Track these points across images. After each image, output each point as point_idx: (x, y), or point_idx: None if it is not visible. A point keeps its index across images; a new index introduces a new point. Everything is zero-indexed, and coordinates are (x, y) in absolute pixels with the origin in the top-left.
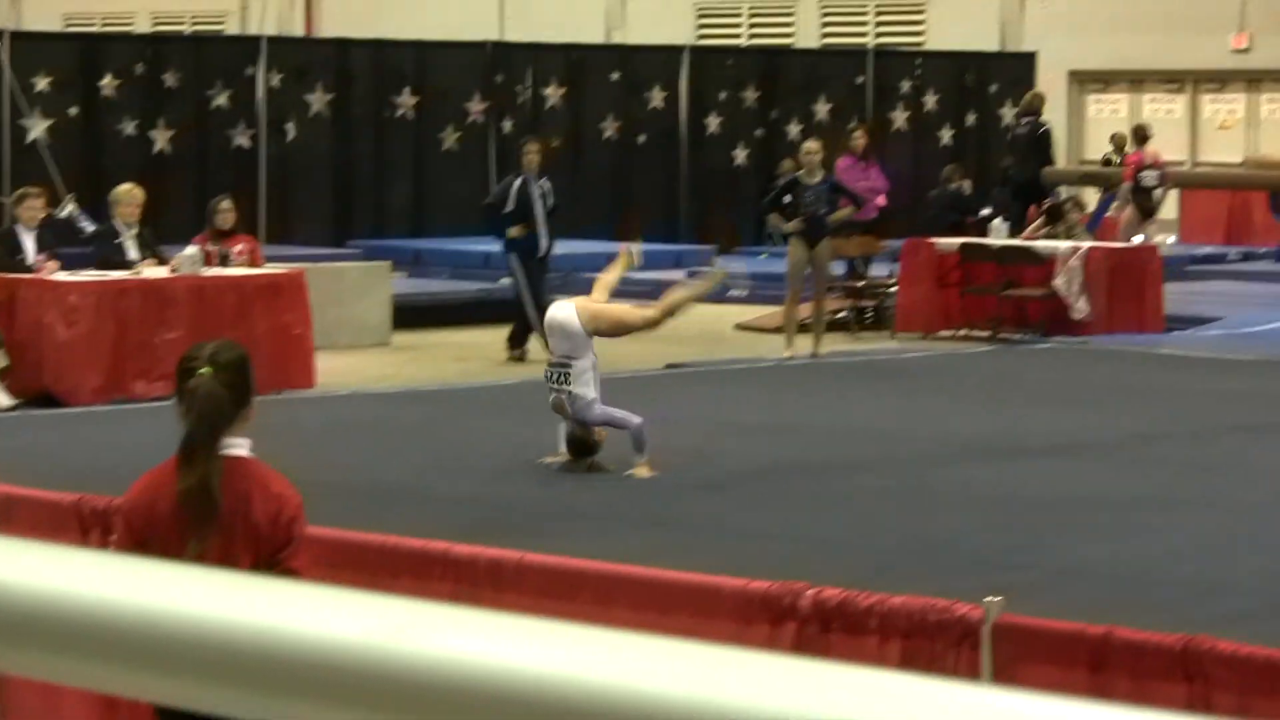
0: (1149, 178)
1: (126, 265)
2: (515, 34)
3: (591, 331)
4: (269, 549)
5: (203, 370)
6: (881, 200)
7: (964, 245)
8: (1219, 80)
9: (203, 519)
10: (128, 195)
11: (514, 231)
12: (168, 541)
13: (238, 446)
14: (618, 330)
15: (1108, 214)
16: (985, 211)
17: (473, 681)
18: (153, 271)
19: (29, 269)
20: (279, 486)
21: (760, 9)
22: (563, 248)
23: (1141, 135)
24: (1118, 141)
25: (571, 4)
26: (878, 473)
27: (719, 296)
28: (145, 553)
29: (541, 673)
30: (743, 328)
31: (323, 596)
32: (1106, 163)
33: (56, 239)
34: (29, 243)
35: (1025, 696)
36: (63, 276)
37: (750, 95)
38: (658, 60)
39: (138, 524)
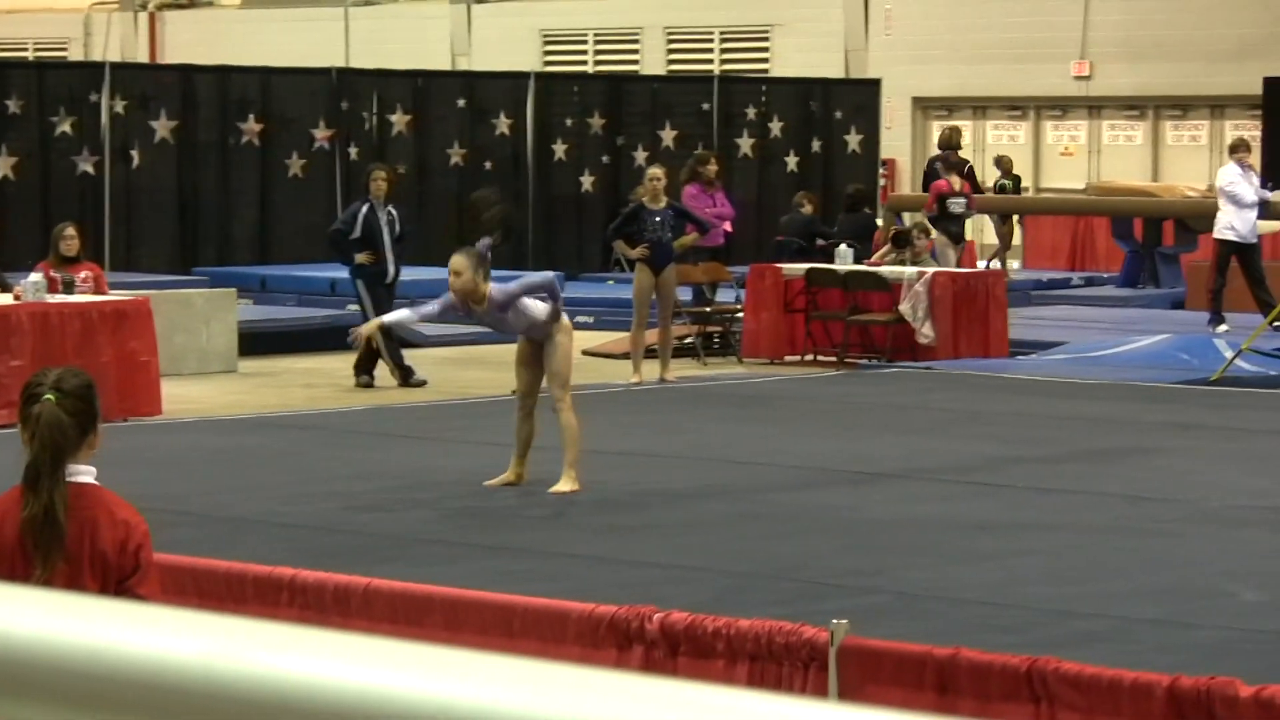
0: (956, 204)
1: None
2: (361, 60)
3: None
4: (116, 576)
5: (47, 396)
6: (728, 226)
7: (810, 270)
8: (1061, 107)
9: (48, 547)
10: None
11: (361, 258)
12: (14, 569)
13: (83, 474)
14: None
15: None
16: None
17: (305, 699)
18: None
19: None
20: (125, 513)
21: (606, 36)
22: (410, 274)
23: (952, 162)
24: (1005, 165)
25: (417, 31)
26: (728, 498)
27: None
28: None
29: (381, 690)
30: (590, 354)
31: (159, 616)
32: (1000, 190)
33: None
34: None
35: (867, 712)
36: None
37: (596, 122)
38: (504, 87)
39: None
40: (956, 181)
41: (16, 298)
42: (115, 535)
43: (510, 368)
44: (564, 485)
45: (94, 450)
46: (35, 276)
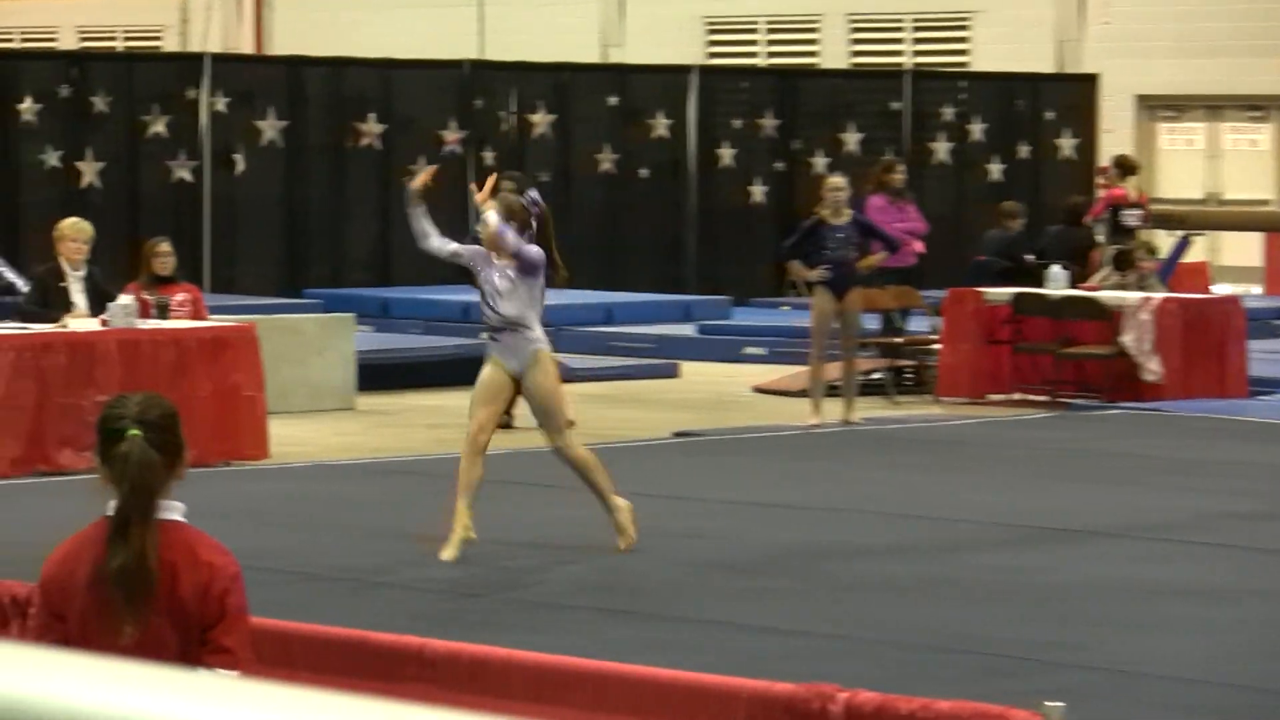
0: (1131, 217)
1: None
2: (496, 52)
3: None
4: (198, 625)
5: (133, 432)
6: (919, 245)
7: (1017, 296)
8: None
9: (140, 600)
10: (74, 230)
11: None
12: (87, 619)
13: (170, 510)
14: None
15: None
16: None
17: None
18: (80, 324)
19: None
20: (210, 553)
21: (779, 23)
22: (551, 298)
23: (1126, 167)
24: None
25: (561, 18)
26: (914, 558)
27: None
28: (64, 629)
29: None
30: (762, 390)
31: (266, 694)
32: None
33: None
34: None
35: None
36: None
37: (768, 123)
38: (661, 82)
39: (55, 599)
40: (1133, 190)
41: (103, 323)
42: (197, 578)
43: (670, 407)
44: (627, 534)
45: (180, 481)
46: (124, 299)
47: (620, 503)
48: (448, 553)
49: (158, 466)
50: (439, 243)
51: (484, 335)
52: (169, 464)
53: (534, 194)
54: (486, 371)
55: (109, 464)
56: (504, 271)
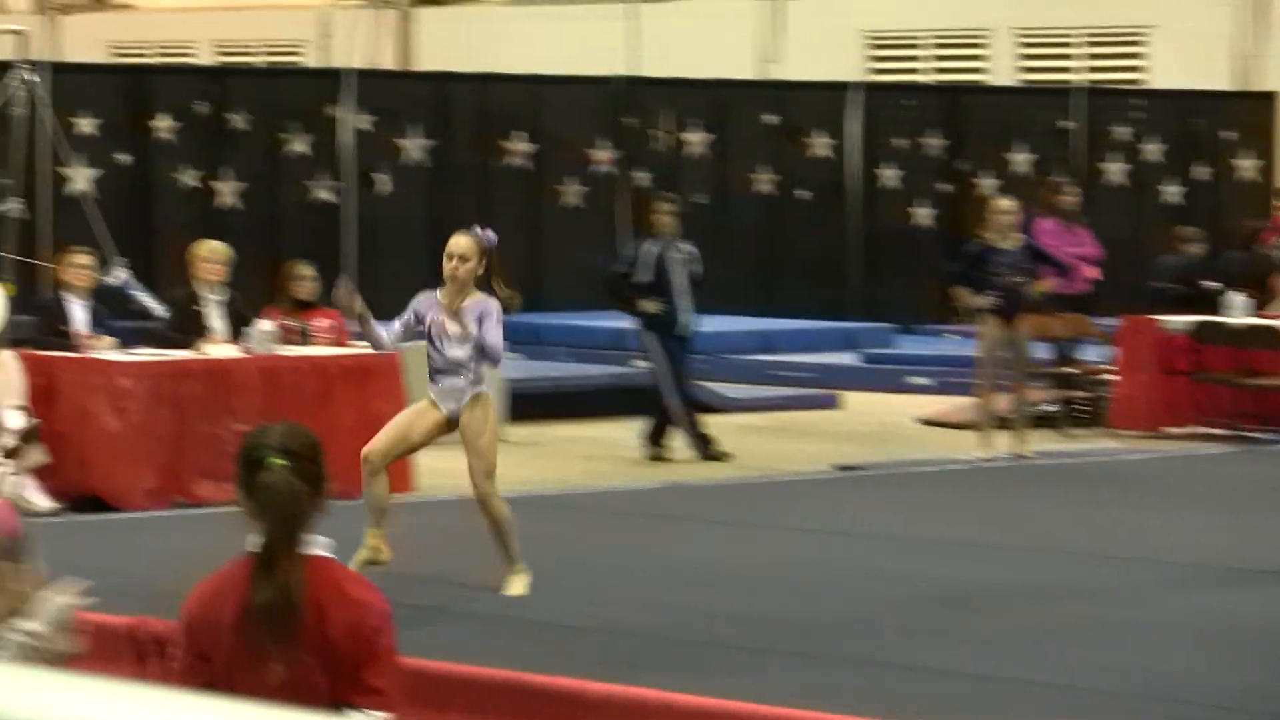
0: None
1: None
2: (650, 68)
3: None
4: (347, 665)
5: (275, 461)
6: (1092, 270)
7: (1199, 325)
8: None
9: (283, 635)
10: (211, 252)
11: (649, 306)
12: (233, 658)
13: (316, 545)
14: None
15: None
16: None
17: None
18: (219, 350)
19: (74, 346)
20: (360, 591)
21: (945, 38)
22: (707, 325)
23: None
24: None
25: (717, 33)
26: (1093, 599)
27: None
28: (209, 670)
29: None
30: (927, 422)
31: None
32: None
33: (109, 310)
34: (78, 313)
35: None
36: (115, 355)
37: (933, 142)
38: (821, 99)
39: (199, 638)
40: None
41: (243, 350)
42: (346, 616)
43: (832, 439)
44: (517, 587)
45: (323, 515)
46: (264, 324)
47: (523, 571)
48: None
49: (302, 497)
50: (391, 337)
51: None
52: (313, 495)
53: (490, 234)
54: (419, 406)
55: (251, 495)
56: (459, 318)
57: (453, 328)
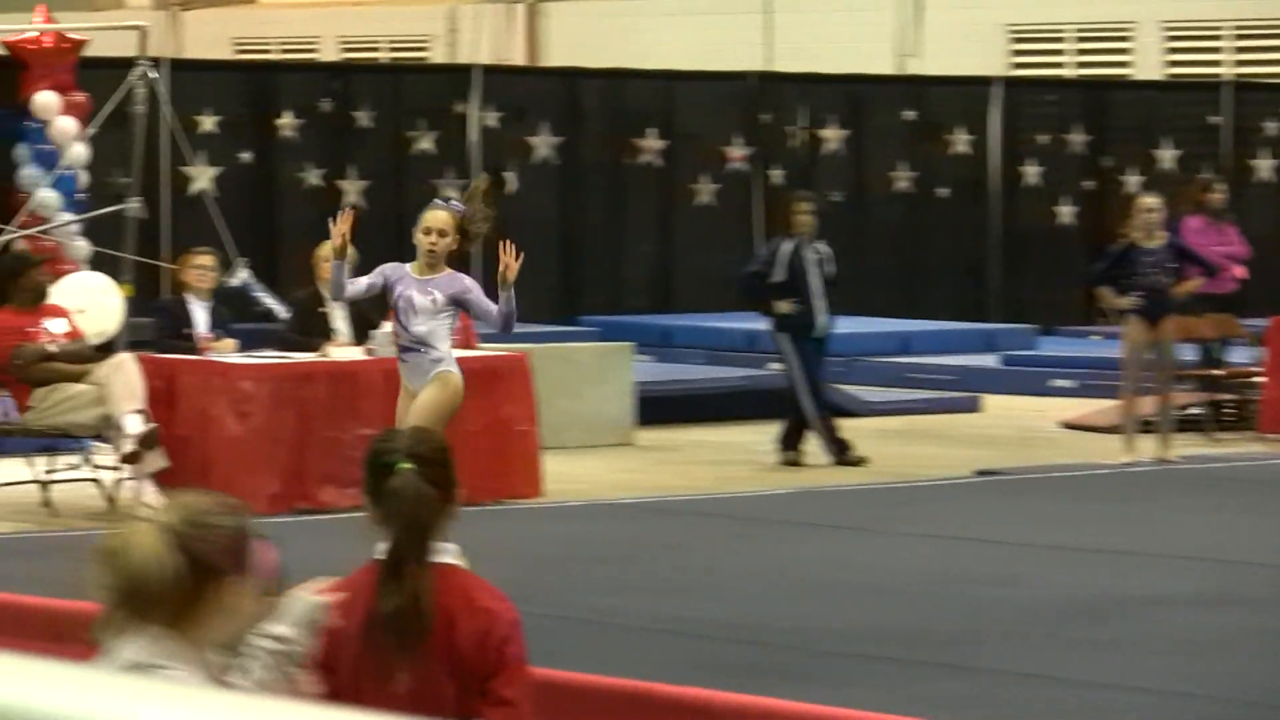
0: None
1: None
2: (785, 63)
3: None
4: (475, 675)
5: (403, 465)
6: (1240, 270)
7: None
8: None
9: (410, 644)
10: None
11: (784, 307)
12: (359, 668)
13: (446, 554)
14: None
15: None
16: None
17: None
18: (343, 353)
19: (194, 348)
20: (488, 600)
21: (1088, 32)
22: (844, 326)
23: None
24: None
25: (854, 27)
26: (1247, 609)
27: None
28: (333, 681)
29: None
30: (1070, 426)
31: None
32: None
33: (231, 312)
34: (200, 315)
35: None
36: (236, 358)
37: (1076, 138)
38: (961, 95)
39: (325, 648)
40: None
41: (367, 352)
42: (475, 626)
43: (972, 444)
44: None
45: (451, 521)
46: (389, 327)
47: None
48: None
49: (432, 503)
50: (353, 289)
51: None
52: (442, 501)
53: (457, 203)
54: (400, 402)
55: (379, 501)
56: (428, 291)
57: (421, 301)
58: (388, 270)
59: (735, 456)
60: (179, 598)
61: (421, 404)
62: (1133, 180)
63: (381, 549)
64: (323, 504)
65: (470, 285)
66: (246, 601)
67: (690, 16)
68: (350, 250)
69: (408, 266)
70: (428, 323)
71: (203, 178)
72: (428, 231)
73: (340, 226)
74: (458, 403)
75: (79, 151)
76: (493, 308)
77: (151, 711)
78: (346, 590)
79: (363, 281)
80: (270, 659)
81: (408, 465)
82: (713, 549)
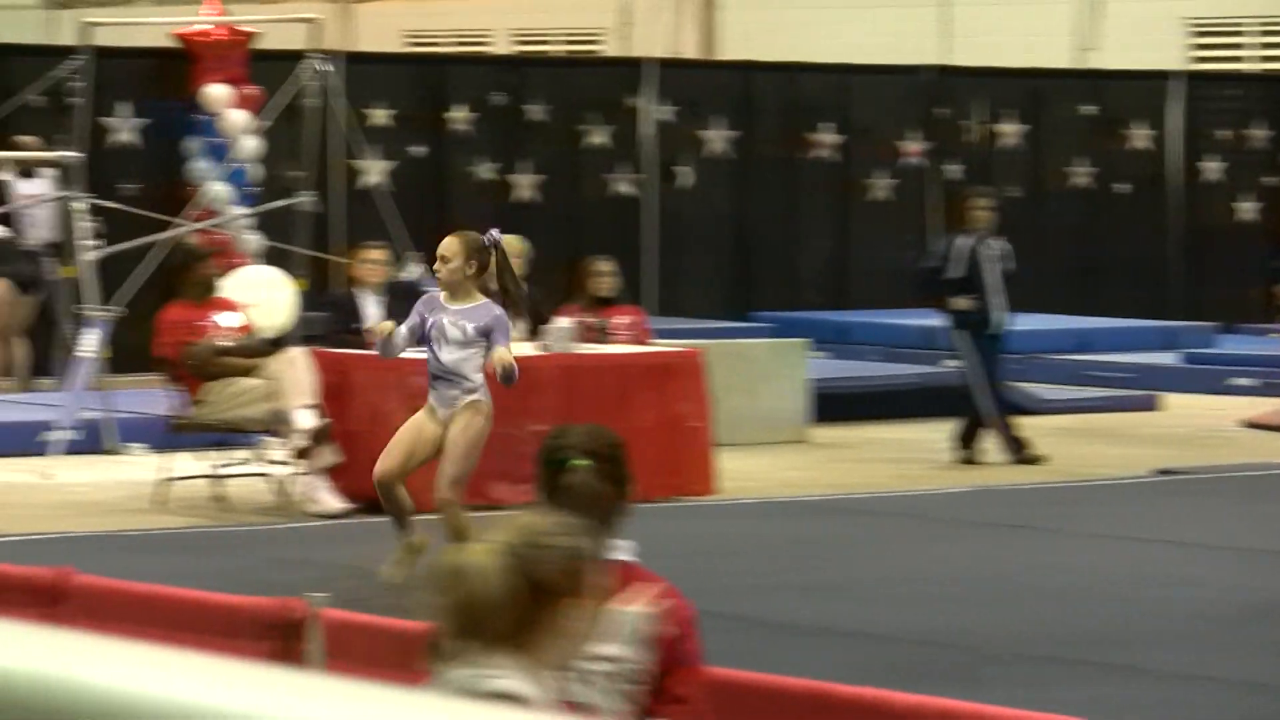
0: None
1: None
2: (962, 57)
3: None
4: (653, 674)
5: (578, 462)
6: None
7: None
8: None
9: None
10: (510, 248)
11: (961, 303)
12: None
13: (620, 550)
14: None
15: None
16: None
17: None
18: (516, 348)
19: (367, 343)
20: (665, 596)
21: (1272, 25)
22: (1021, 323)
23: None
24: None
25: (1033, 20)
26: None
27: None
28: None
29: None
30: (1252, 425)
31: None
32: None
33: (403, 307)
34: (371, 310)
35: None
36: (408, 353)
37: (1259, 133)
38: (1140, 89)
39: None
40: None
41: (541, 348)
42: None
43: (1151, 443)
44: (392, 572)
45: (626, 518)
46: (562, 321)
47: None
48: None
49: (606, 499)
50: (402, 342)
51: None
52: (617, 498)
53: (494, 233)
54: (419, 415)
55: (553, 498)
56: (457, 321)
57: (453, 331)
58: (421, 306)
59: (911, 454)
60: (515, 620)
61: (459, 432)
62: None
63: None
64: (495, 500)
65: (499, 321)
66: (583, 623)
67: (866, 9)
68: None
69: (441, 296)
70: (457, 353)
71: (375, 171)
72: (439, 257)
73: (380, 330)
74: (489, 430)
75: (250, 145)
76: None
77: None
78: None
79: (403, 330)
80: (606, 681)
81: (583, 462)
82: (888, 548)
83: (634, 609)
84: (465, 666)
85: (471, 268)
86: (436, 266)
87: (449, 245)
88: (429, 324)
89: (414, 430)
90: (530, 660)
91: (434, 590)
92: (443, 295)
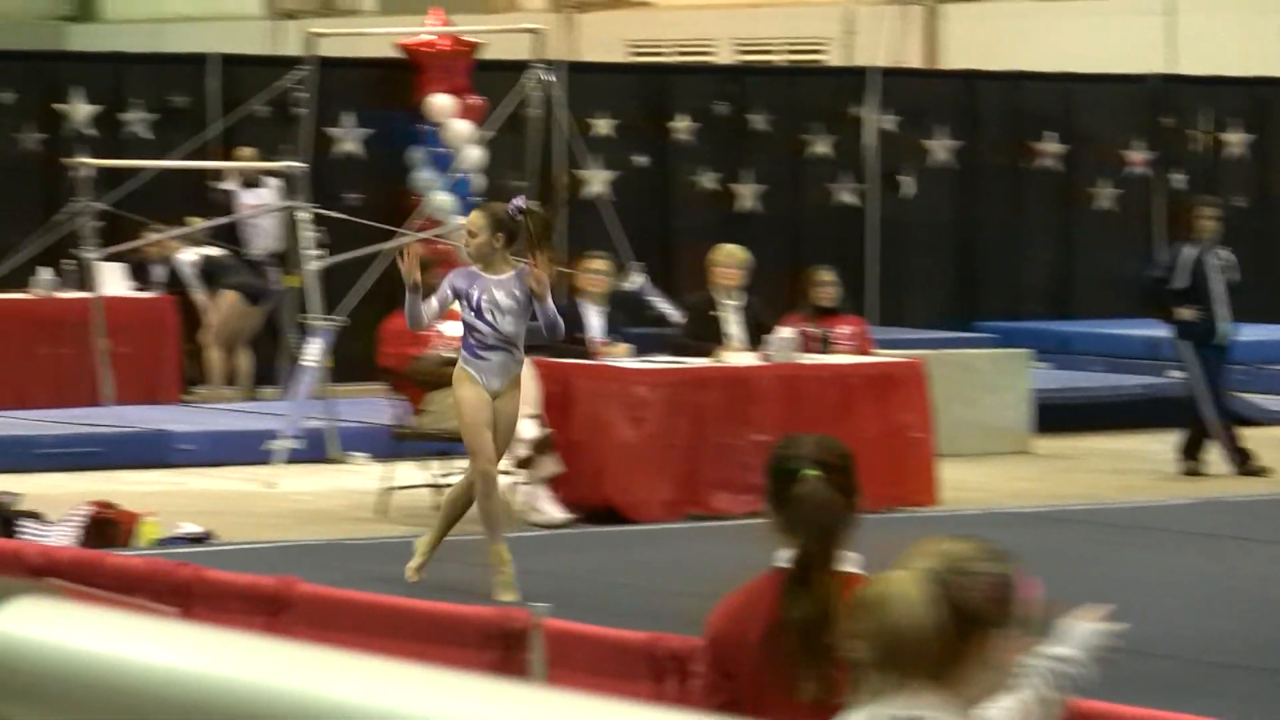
0: None
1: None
2: (1188, 65)
3: None
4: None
5: (809, 473)
6: None
7: None
8: None
9: (818, 654)
10: (727, 257)
11: (1186, 314)
12: (761, 676)
13: (850, 562)
14: None
15: None
16: None
17: None
18: (737, 358)
19: (589, 353)
20: None
21: None
22: (1246, 334)
23: None
24: None
25: (1260, 28)
26: None
27: None
28: (733, 688)
29: None
30: None
31: None
32: None
33: (625, 317)
34: (594, 320)
35: None
36: (630, 363)
37: None
38: None
39: (726, 655)
40: None
41: (762, 357)
42: None
43: None
44: (509, 593)
45: (855, 529)
46: (784, 331)
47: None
48: (507, 595)
49: (838, 509)
50: (429, 312)
51: (462, 353)
52: (847, 508)
53: (518, 201)
54: (472, 391)
55: (784, 508)
56: (509, 289)
57: (507, 301)
58: (455, 280)
59: (1135, 465)
60: (941, 651)
61: (514, 415)
62: None
63: (784, 556)
64: (716, 510)
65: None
66: (1010, 653)
67: (1091, 18)
68: (416, 272)
69: (475, 268)
70: (516, 322)
71: (597, 181)
72: (468, 231)
73: (409, 265)
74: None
75: (474, 155)
76: (556, 316)
77: None
78: (745, 598)
79: (434, 302)
80: (1049, 678)
81: (814, 472)
82: (1113, 559)
83: (1089, 623)
84: (885, 699)
85: (500, 240)
86: (465, 241)
87: (474, 220)
88: (476, 297)
89: (478, 405)
90: (954, 694)
91: (856, 619)
92: (479, 269)
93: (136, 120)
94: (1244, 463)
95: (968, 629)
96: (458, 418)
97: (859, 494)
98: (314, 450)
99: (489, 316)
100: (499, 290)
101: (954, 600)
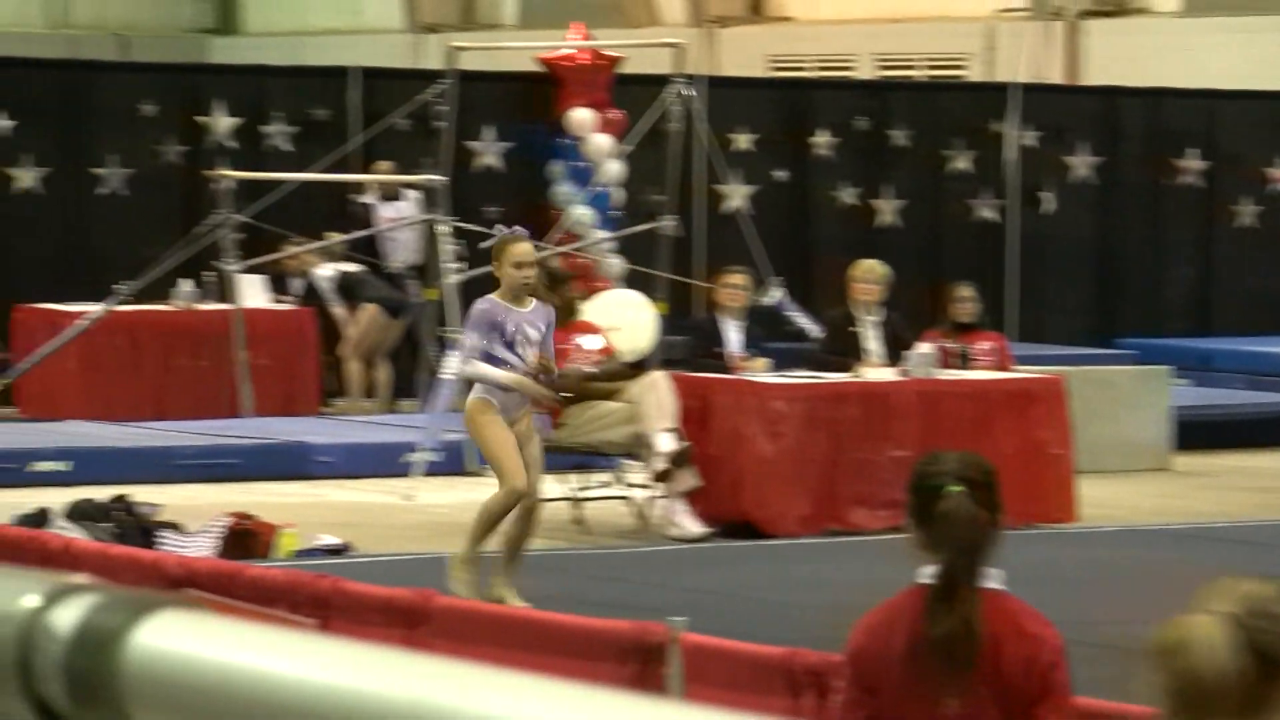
0: None
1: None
2: None
3: None
4: (1020, 702)
5: (953, 489)
6: None
7: None
8: None
9: (961, 670)
10: (866, 272)
11: None
12: (903, 692)
13: (992, 579)
14: None
15: None
16: None
17: None
18: (876, 373)
19: (727, 367)
20: (1035, 625)
21: None
22: None
23: None
24: None
25: None
26: None
27: None
28: (874, 704)
29: None
30: None
31: None
32: None
33: (764, 331)
34: (732, 334)
35: None
36: (769, 377)
37: None
38: None
39: (868, 671)
40: None
41: (901, 373)
42: (1021, 652)
43: None
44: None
45: (997, 546)
46: (924, 347)
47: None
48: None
49: (982, 526)
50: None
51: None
52: (991, 525)
53: (514, 229)
54: (498, 423)
55: (927, 525)
56: (534, 323)
57: (533, 333)
58: (481, 319)
59: (1275, 483)
60: (1243, 698)
61: (538, 442)
62: None
63: (927, 573)
64: (853, 525)
65: (551, 320)
66: None
67: (1233, 34)
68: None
69: (495, 298)
70: (534, 354)
71: (737, 196)
72: (519, 265)
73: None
74: None
75: (614, 169)
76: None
77: None
78: (887, 614)
79: (480, 347)
80: None
81: (958, 488)
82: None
83: None
84: None
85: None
86: (525, 274)
87: (531, 253)
88: (510, 331)
89: (506, 433)
90: None
91: (1152, 666)
92: (501, 301)
93: (277, 133)
94: None
95: (1270, 673)
96: (485, 445)
97: (1002, 511)
98: (452, 463)
99: (518, 349)
100: (528, 324)
101: (1256, 644)
